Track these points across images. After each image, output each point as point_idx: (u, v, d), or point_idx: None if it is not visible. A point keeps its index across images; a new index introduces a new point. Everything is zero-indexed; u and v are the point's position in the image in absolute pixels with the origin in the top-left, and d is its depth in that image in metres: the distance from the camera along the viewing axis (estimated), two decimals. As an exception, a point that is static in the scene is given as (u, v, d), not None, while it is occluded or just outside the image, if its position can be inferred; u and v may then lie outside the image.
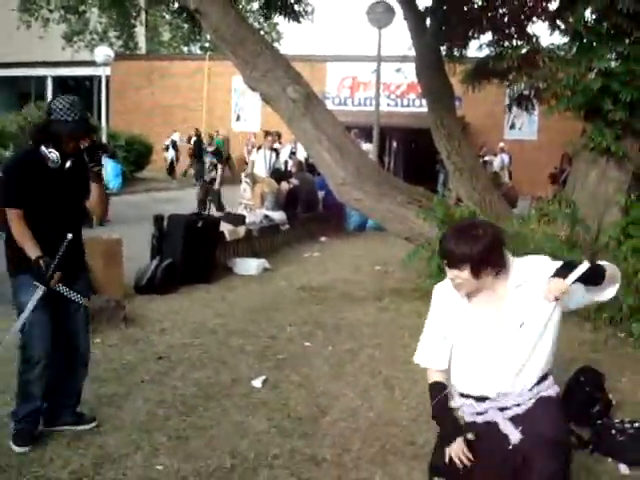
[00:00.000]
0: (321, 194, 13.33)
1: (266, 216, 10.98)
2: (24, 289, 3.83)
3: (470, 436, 2.86)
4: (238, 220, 10.10)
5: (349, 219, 13.74)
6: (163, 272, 7.68)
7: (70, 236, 3.78)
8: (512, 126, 23.99)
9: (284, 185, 11.95)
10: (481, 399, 2.90)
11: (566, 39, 9.12)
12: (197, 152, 23.11)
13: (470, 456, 2.79)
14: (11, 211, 3.77)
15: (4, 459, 3.74)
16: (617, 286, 2.90)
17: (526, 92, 10.32)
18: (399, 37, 13.06)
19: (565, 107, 8.19)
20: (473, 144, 15.60)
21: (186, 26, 35.10)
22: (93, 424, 4.16)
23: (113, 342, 5.79)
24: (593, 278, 2.81)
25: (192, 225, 8.22)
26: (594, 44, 7.93)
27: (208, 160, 13.64)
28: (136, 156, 22.38)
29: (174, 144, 24.56)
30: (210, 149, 14.00)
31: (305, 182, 12.99)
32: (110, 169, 17.18)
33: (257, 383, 4.99)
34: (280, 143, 17.86)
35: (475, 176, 9.13)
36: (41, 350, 3.87)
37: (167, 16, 34.00)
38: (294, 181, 12.44)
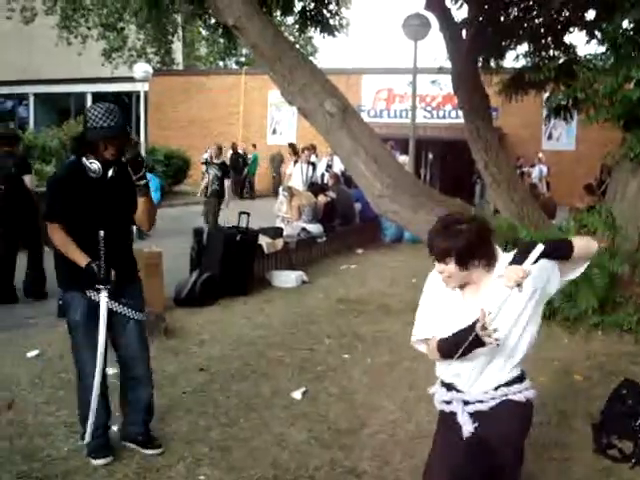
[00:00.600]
0: (358, 206, 13.35)
1: (303, 229, 11.02)
2: (74, 307, 3.86)
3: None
4: (276, 233, 10.16)
5: (385, 231, 13.74)
6: (203, 285, 7.76)
7: (102, 233, 3.74)
8: (550, 137, 23.78)
9: (321, 198, 11.99)
10: (450, 388, 2.95)
11: (603, 49, 9.05)
12: (233, 166, 23.37)
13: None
14: (52, 225, 3.80)
15: (50, 468, 3.83)
16: (591, 256, 2.93)
17: (564, 102, 10.25)
18: (435, 48, 13.06)
19: (604, 117, 8.12)
20: (510, 155, 15.53)
21: (222, 41, 35.67)
22: (159, 450, 4.07)
23: (154, 354, 5.83)
24: (560, 253, 2.81)
25: (231, 238, 8.30)
26: (632, 54, 7.86)
27: (212, 173, 13.33)
28: (174, 170, 22.66)
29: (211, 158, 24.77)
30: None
31: (342, 195, 13.03)
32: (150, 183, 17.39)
33: (297, 395, 5.01)
34: (316, 156, 17.95)
35: (513, 187, 9.07)
36: (92, 365, 3.79)
37: (203, 32, 34.46)
38: (331, 194, 12.48)
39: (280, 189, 13.15)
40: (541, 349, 6.26)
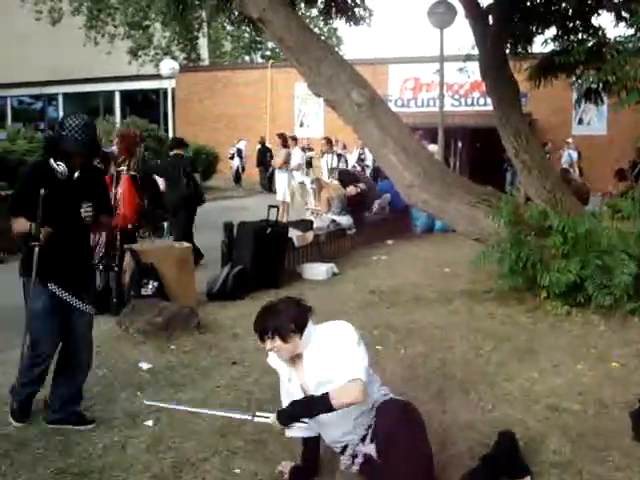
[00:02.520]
0: (387, 197, 13.28)
1: (333, 221, 11.00)
2: (35, 296, 4.19)
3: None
4: (306, 226, 10.15)
5: (416, 221, 13.66)
6: (234, 279, 7.79)
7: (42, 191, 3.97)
8: (580, 121, 23.45)
9: (351, 189, 11.95)
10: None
11: (632, 31, 8.90)
12: (262, 160, 23.41)
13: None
14: (14, 219, 4.15)
15: (87, 464, 3.85)
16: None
17: (594, 86, 10.09)
18: (461, 36, 12.93)
19: (635, 100, 7.97)
20: (540, 141, 15.32)
21: (247, 36, 35.75)
22: (92, 425, 4.34)
23: (187, 348, 5.90)
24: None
25: (261, 232, 8.31)
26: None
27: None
28: (203, 165, 22.72)
29: (240, 152, 24.82)
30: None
31: (372, 186, 13.01)
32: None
33: (330, 387, 4.99)
34: (345, 148, 17.93)
35: (544, 174, 8.95)
36: (50, 348, 4.28)
37: (228, 27, 34.56)
38: (361, 185, 12.43)
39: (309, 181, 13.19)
40: (577, 337, 6.21)
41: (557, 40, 10.58)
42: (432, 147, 15.61)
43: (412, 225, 13.77)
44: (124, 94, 31.68)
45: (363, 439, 3.56)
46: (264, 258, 8.18)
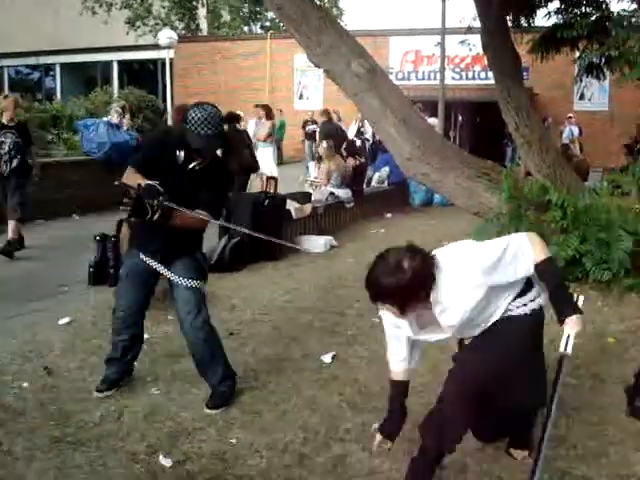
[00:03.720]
0: (386, 170, 13.24)
1: (332, 193, 10.97)
2: (125, 262, 4.44)
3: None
4: (304, 198, 10.12)
5: (414, 195, 13.64)
6: (232, 250, 7.78)
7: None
8: (582, 97, 23.31)
9: (350, 161, 11.90)
10: None
11: (635, 5, 8.81)
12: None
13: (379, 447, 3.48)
14: (129, 168, 4.03)
15: (83, 433, 3.86)
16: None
17: (596, 61, 10.00)
18: (463, 8, 12.81)
19: (638, 75, 7.91)
20: (541, 116, 15.24)
21: (246, 6, 35.35)
22: (217, 410, 4.16)
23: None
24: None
25: (259, 203, 8.28)
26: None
27: None
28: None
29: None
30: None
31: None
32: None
33: (327, 358, 5.01)
34: (340, 120, 17.83)
35: (545, 149, 8.88)
36: (123, 304, 4.33)
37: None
38: (361, 158, 12.39)
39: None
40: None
41: (560, 13, 10.46)
42: (432, 120, 15.53)
43: (410, 199, 13.74)
44: (122, 64, 31.41)
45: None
46: (262, 229, 8.11)
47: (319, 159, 11.65)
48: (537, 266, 3.02)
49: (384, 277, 2.90)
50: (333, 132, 13.79)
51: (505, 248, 3.00)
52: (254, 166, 11.06)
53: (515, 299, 3.12)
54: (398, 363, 3.41)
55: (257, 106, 14.86)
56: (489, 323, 3.13)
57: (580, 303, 3.17)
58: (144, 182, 3.78)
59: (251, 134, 13.29)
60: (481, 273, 2.97)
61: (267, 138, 13.97)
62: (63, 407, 4.19)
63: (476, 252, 3.08)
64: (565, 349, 3.04)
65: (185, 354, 5.03)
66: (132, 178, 3.91)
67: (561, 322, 3.05)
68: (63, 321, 5.82)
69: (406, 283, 2.85)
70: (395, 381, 3.47)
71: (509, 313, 3.12)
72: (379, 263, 2.98)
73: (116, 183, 3.90)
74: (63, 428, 3.91)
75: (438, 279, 2.95)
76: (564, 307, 3.05)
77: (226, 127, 10.73)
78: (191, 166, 4.01)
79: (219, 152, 4.24)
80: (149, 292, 4.41)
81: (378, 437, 3.48)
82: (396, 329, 3.27)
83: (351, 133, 16.36)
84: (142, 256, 4.17)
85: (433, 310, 3.03)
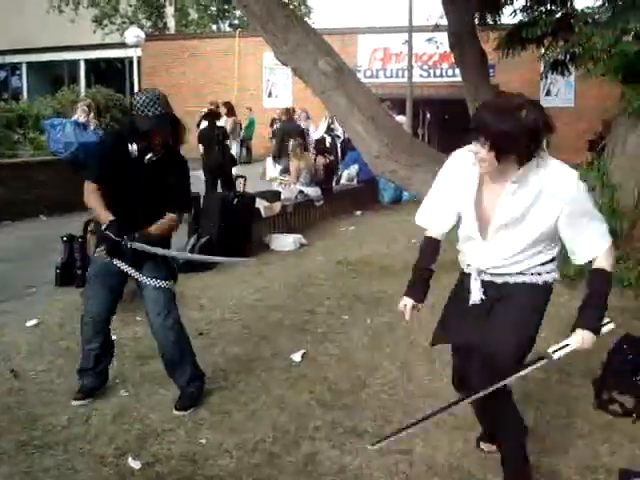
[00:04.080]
0: (355, 168, 13.27)
1: (301, 191, 10.97)
2: (92, 264, 4.29)
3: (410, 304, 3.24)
4: (274, 197, 10.11)
5: (383, 192, 13.68)
6: (201, 249, 7.73)
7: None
8: (548, 93, 23.51)
9: (320, 159, 11.91)
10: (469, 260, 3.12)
11: (600, 1, 8.91)
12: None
13: (407, 317, 3.24)
14: (88, 185, 3.99)
15: (51, 436, 3.82)
16: None
17: (561, 57, 10.11)
18: (430, 5, 12.87)
19: (602, 72, 8.00)
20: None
21: (214, 4, 35.17)
22: (180, 413, 4.12)
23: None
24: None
25: (228, 202, 8.25)
26: (630, 6, 7.72)
27: None
28: (170, 136, 22.44)
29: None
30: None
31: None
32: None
33: (297, 357, 5.01)
34: (308, 118, 17.82)
35: (511, 145, 8.97)
36: (93, 311, 4.20)
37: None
38: (330, 156, 12.40)
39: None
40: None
41: (526, 11, 10.56)
42: (400, 118, 15.59)
43: (380, 196, 13.78)
44: (89, 63, 31.05)
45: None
46: (231, 228, 8.13)
47: (275, 157, 11.68)
48: (598, 262, 2.85)
49: (501, 111, 2.63)
50: (292, 131, 13.76)
51: (599, 217, 2.89)
52: (224, 164, 11.30)
53: (547, 263, 2.95)
54: (431, 214, 3.21)
55: (211, 105, 14.71)
56: (520, 269, 2.93)
57: (605, 329, 2.87)
58: (107, 219, 3.88)
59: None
60: (577, 200, 2.77)
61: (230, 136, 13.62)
62: (30, 410, 4.14)
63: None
64: (553, 353, 2.81)
65: (154, 355, 4.99)
66: (96, 203, 3.97)
67: (573, 328, 2.83)
68: (30, 323, 5.75)
69: (519, 126, 2.59)
70: (428, 237, 3.28)
71: (536, 278, 2.94)
72: (501, 97, 2.82)
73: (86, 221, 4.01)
74: (30, 431, 3.87)
75: (540, 162, 2.74)
76: (588, 317, 2.82)
77: (205, 124, 11.01)
78: (147, 158, 3.96)
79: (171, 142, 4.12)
80: (118, 295, 4.32)
81: (409, 304, 3.26)
82: (451, 182, 3.03)
83: (321, 131, 16.36)
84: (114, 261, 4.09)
85: (508, 187, 2.77)
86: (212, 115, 12.53)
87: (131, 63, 21.80)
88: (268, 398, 4.32)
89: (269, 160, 15.46)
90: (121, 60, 29.28)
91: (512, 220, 2.81)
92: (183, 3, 35.92)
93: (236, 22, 37.56)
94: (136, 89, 20.71)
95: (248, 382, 4.57)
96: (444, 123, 24.03)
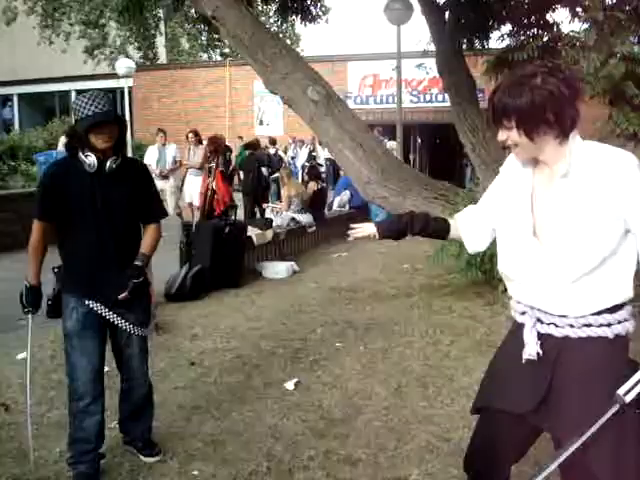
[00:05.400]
0: (347, 194, 13.31)
1: (293, 219, 10.98)
2: (66, 312, 3.66)
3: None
4: (265, 224, 10.12)
5: (375, 218, 13.70)
6: (193, 278, 7.72)
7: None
8: (537, 116, 23.71)
9: (311, 185, 11.95)
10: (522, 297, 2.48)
11: (586, 25, 8.99)
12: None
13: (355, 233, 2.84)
14: (35, 223, 3.58)
15: (43, 470, 3.78)
16: None
17: (549, 80, 10.18)
18: (418, 32, 12.97)
19: (589, 94, 8.07)
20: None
21: (204, 35, 35.44)
22: (155, 458, 3.90)
23: (146, 350, 5.82)
24: None
25: (220, 231, 8.25)
26: (615, 29, 7.81)
27: None
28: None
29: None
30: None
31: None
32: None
33: (290, 385, 4.98)
34: (302, 143, 17.94)
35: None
36: (85, 382, 3.58)
37: (186, 25, 34.27)
38: (323, 183, 12.46)
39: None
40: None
41: (513, 35, 10.67)
42: (391, 144, 15.69)
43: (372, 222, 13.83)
44: (80, 94, 31.20)
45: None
46: (223, 257, 8.13)
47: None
48: None
49: (513, 84, 2.25)
50: (260, 161, 13.96)
51: None
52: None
53: (618, 309, 2.32)
54: (463, 214, 2.76)
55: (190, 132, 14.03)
56: (584, 311, 2.31)
57: None
58: (29, 281, 3.72)
59: (154, 162, 12.65)
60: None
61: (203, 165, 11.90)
62: (22, 444, 4.09)
63: None
64: (624, 395, 2.26)
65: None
66: (32, 256, 3.68)
67: None
68: (21, 356, 5.70)
69: (537, 93, 2.19)
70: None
71: (604, 331, 2.31)
72: (512, 73, 2.39)
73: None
74: (22, 466, 3.82)
75: (591, 148, 2.29)
76: None
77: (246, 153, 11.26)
78: (108, 165, 3.46)
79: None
80: (104, 349, 3.70)
81: (369, 231, 2.81)
82: (497, 194, 2.55)
83: (302, 158, 16.47)
84: (90, 303, 3.59)
85: (558, 180, 2.30)
86: (252, 146, 14.08)
87: (122, 93, 21.89)
88: (262, 428, 4.29)
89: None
90: (112, 90, 29.42)
91: (569, 217, 2.26)
92: (174, 33, 36.21)
93: (226, 51, 37.84)
94: (127, 119, 20.78)
95: (241, 412, 4.54)
96: (435, 147, 24.18)
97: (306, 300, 7.60)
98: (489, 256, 7.02)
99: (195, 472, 3.74)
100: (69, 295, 3.66)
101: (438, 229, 2.76)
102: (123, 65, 19.04)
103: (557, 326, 2.35)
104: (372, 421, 4.37)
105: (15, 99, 32.33)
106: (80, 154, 3.46)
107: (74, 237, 3.54)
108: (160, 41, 34.71)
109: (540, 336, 2.39)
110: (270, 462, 3.83)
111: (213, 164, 9.84)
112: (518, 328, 2.50)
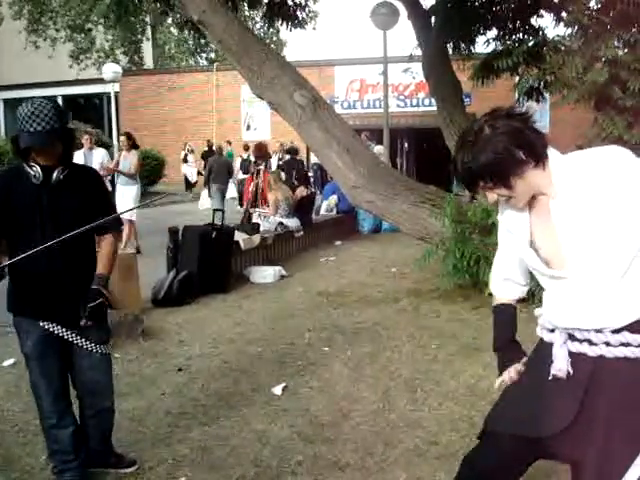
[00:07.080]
0: (334, 198, 13.32)
1: (280, 223, 10.98)
2: (21, 337, 3.44)
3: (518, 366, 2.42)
4: (253, 229, 10.10)
5: (363, 222, 13.73)
6: (180, 284, 7.68)
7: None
8: (523, 120, 23.83)
9: (299, 191, 11.97)
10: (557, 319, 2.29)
11: (571, 30, 9.07)
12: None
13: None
14: None
15: (29, 478, 3.76)
16: None
17: (535, 84, 10.26)
18: (405, 37, 13.04)
19: (574, 98, 8.14)
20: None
21: (191, 40, 35.45)
22: (134, 467, 3.81)
23: (132, 356, 5.79)
24: None
25: (207, 236, 8.23)
26: (601, 33, 7.87)
27: None
28: (149, 171, 22.40)
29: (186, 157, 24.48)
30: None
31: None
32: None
33: (277, 390, 4.97)
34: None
35: (487, 172, 9.05)
36: (49, 403, 3.49)
37: (173, 30, 34.27)
38: (311, 188, 12.50)
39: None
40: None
41: (499, 40, 10.74)
42: (378, 148, 15.72)
43: (359, 226, 13.83)
44: (66, 99, 31.07)
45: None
46: (210, 262, 8.10)
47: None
48: None
49: (468, 149, 2.13)
50: (221, 166, 15.05)
51: None
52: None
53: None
54: (500, 282, 2.56)
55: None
56: (619, 323, 2.13)
57: None
58: None
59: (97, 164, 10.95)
60: None
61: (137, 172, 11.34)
62: (8, 451, 4.07)
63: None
64: None
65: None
66: None
67: None
68: (7, 362, 5.67)
69: (492, 144, 2.09)
70: (498, 305, 2.58)
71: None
72: (459, 138, 2.24)
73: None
74: (8, 473, 3.80)
75: (560, 160, 2.26)
76: None
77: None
78: (54, 176, 3.25)
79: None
80: (65, 365, 3.50)
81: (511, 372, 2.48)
82: (508, 235, 2.41)
83: (273, 165, 16.66)
84: (45, 324, 3.37)
85: (552, 205, 2.19)
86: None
87: (109, 98, 21.85)
88: (249, 433, 4.27)
89: (204, 192, 17.24)
90: (99, 95, 29.36)
91: (578, 233, 2.13)
92: (161, 38, 36.18)
93: (213, 56, 37.86)
94: (114, 124, 20.73)
95: (229, 417, 4.52)
96: (423, 151, 24.24)
97: (294, 305, 7.59)
98: (476, 260, 7.05)
99: (183, 479, 3.72)
100: (20, 318, 3.43)
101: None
102: (109, 70, 19.01)
103: (591, 343, 2.16)
104: (360, 425, 4.37)
105: (0, 104, 32.22)
106: (25, 165, 3.28)
107: (21, 253, 2.96)
108: (147, 46, 34.67)
109: (570, 355, 2.20)
110: (258, 468, 3.82)
111: (261, 167, 11.94)
112: (544, 347, 2.30)
